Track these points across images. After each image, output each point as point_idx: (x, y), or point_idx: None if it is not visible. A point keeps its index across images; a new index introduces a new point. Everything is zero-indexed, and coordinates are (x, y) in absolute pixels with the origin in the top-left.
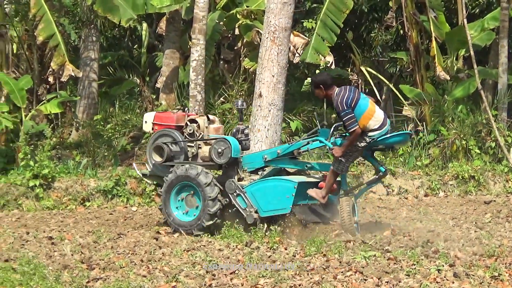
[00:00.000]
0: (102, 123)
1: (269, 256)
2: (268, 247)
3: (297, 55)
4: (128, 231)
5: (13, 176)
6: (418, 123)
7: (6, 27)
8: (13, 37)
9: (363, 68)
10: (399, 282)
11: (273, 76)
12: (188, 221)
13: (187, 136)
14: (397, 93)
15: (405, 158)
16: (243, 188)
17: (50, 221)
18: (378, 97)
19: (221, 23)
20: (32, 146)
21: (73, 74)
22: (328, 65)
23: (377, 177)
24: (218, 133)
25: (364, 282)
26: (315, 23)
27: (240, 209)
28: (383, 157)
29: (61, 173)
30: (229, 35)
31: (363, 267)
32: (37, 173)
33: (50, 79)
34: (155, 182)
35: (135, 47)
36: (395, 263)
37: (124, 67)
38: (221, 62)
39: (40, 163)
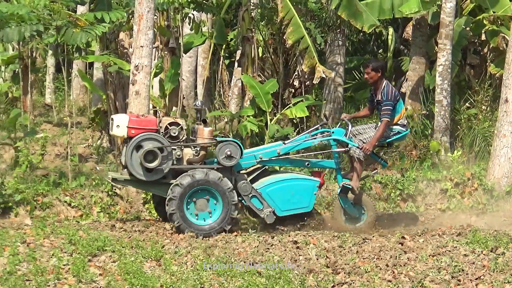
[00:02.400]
0: None
1: None
2: None
3: None
4: (373, 236)
5: None
6: None
7: (252, 31)
8: (259, 41)
9: None
10: None
11: None
12: (206, 224)
13: (168, 139)
14: None
15: None
16: (257, 190)
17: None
18: None
19: (468, 28)
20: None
21: (324, 76)
22: None
23: (376, 171)
24: (212, 135)
25: None
26: None
27: (256, 210)
28: None
29: None
30: (476, 41)
31: None
32: None
33: (295, 83)
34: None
35: (380, 51)
36: None
37: None
38: (467, 67)
39: (285, 167)
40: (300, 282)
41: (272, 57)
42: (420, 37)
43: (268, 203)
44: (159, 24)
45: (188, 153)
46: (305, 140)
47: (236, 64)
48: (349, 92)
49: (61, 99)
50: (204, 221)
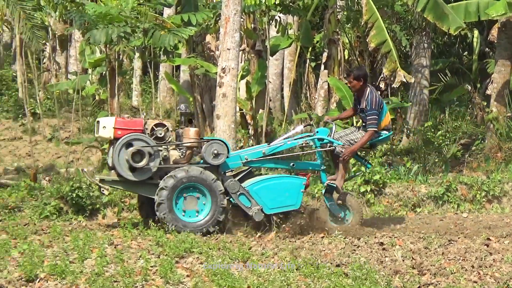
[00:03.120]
0: (433, 130)
1: None
2: None
3: None
4: (458, 237)
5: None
6: None
7: (338, 34)
8: (345, 43)
9: None
10: None
11: None
12: (199, 220)
13: (155, 140)
14: None
15: None
16: (245, 187)
17: (381, 227)
18: None
19: None
20: (363, 152)
21: (404, 80)
22: None
23: (360, 172)
24: (198, 136)
25: None
26: None
27: (244, 208)
28: None
29: (392, 179)
30: None
31: None
32: (368, 179)
33: (381, 85)
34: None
35: (465, 54)
36: None
37: (455, 74)
38: None
39: (372, 169)
40: (386, 283)
41: (358, 59)
42: (506, 40)
43: (256, 201)
44: (245, 27)
45: (175, 154)
46: (290, 140)
47: (322, 66)
48: (435, 94)
49: (147, 101)
50: (197, 216)
